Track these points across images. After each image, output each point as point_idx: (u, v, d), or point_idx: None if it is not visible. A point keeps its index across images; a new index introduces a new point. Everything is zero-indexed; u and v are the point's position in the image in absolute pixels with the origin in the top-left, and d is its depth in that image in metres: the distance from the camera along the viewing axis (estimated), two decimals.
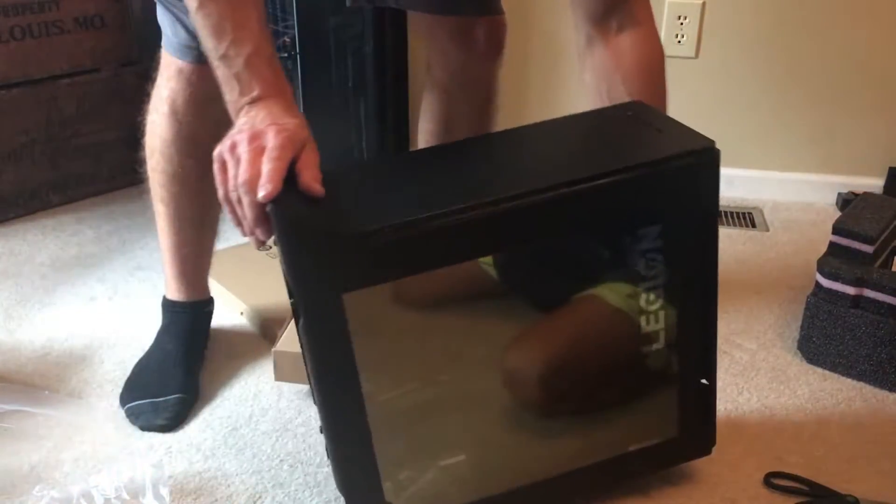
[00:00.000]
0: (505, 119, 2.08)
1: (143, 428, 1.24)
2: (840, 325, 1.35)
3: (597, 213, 0.92)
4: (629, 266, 0.98)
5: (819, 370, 1.39)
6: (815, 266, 1.39)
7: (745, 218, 1.94)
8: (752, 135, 2.01)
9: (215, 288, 1.51)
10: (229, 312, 1.53)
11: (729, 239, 1.83)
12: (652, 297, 0.99)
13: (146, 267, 1.70)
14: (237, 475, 1.15)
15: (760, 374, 1.38)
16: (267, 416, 1.27)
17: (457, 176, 0.95)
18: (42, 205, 1.95)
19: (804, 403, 1.31)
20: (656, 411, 1.08)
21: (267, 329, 1.46)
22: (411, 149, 1.64)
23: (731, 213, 1.95)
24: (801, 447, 1.21)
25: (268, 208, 0.86)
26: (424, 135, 1.50)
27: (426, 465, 1.01)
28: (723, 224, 1.90)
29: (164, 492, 1.08)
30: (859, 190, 1.96)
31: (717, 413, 1.11)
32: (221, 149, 0.90)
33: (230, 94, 0.93)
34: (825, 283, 1.36)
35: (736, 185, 1.99)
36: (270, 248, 1.73)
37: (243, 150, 0.87)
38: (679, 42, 1.95)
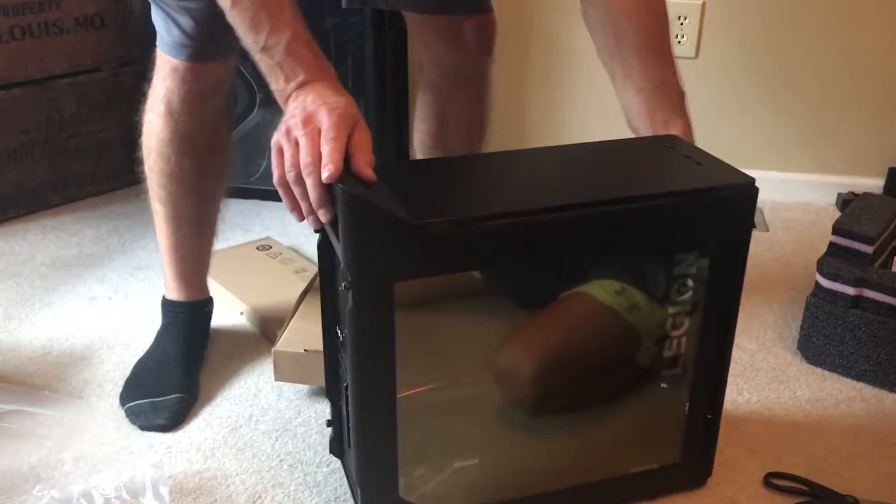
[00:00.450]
0: (505, 119, 2.08)
1: (143, 428, 1.24)
2: (840, 326, 1.35)
3: (644, 232, 0.94)
4: (658, 287, 1.01)
5: (819, 370, 1.39)
6: (814, 266, 1.39)
7: None
8: (752, 135, 2.01)
9: (215, 288, 1.51)
10: (229, 312, 1.54)
11: None
12: (678, 320, 1.02)
13: (146, 267, 1.70)
14: (237, 475, 1.16)
15: (760, 374, 1.38)
16: (267, 415, 1.28)
17: (509, 182, 0.98)
18: (42, 204, 1.95)
19: (804, 404, 1.31)
20: (662, 435, 1.09)
21: (267, 329, 1.47)
22: (411, 148, 1.65)
23: None
24: (801, 447, 1.21)
25: (335, 189, 0.86)
26: (420, 134, 1.51)
27: (441, 466, 1.03)
28: None
29: (164, 491, 1.08)
30: (859, 190, 1.96)
31: None
32: (277, 136, 0.91)
33: (276, 84, 0.94)
34: (825, 283, 1.36)
35: None
36: (270, 247, 1.73)
37: (299, 134, 0.88)
38: (679, 42, 1.95)
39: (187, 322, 1.38)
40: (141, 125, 1.26)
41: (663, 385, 1.07)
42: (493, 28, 1.39)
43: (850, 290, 1.34)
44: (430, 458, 1.03)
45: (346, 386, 0.97)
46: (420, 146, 1.52)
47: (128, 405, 1.28)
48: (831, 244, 1.40)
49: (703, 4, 1.92)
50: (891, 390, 1.34)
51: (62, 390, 1.33)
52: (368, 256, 0.86)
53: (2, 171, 1.87)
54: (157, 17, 1.17)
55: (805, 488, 1.13)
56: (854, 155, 2.01)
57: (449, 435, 1.05)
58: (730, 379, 1.35)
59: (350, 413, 0.97)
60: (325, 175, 0.85)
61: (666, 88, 1.07)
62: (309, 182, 0.87)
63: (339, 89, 0.93)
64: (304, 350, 1.25)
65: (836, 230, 1.39)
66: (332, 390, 1.07)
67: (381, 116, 1.89)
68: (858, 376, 1.36)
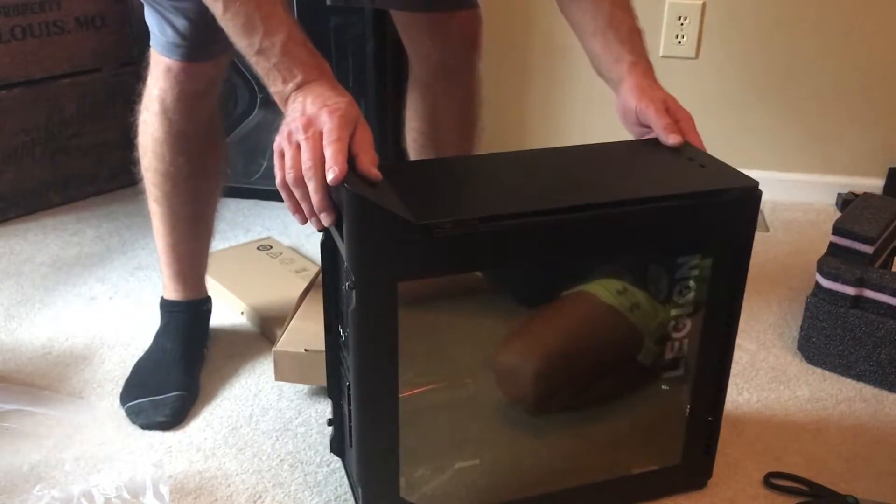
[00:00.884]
0: (505, 119, 2.08)
1: (144, 426, 1.24)
2: (840, 326, 1.36)
3: (648, 234, 0.95)
4: (660, 288, 1.01)
5: (819, 370, 1.39)
6: (815, 266, 1.39)
7: None
8: (752, 135, 2.01)
9: (216, 288, 1.51)
10: (230, 312, 1.54)
11: None
12: (680, 322, 1.02)
13: (146, 266, 1.70)
14: (237, 475, 1.16)
15: (760, 374, 1.39)
16: (267, 415, 1.28)
17: (513, 183, 0.98)
18: (43, 204, 1.95)
19: (804, 404, 1.31)
20: (662, 437, 1.10)
21: (267, 329, 1.47)
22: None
23: None
24: (801, 447, 1.21)
25: (333, 193, 0.86)
26: (412, 132, 1.50)
27: (442, 466, 1.03)
28: None
29: (165, 491, 1.08)
30: (859, 190, 1.96)
31: None
32: (279, 139, 0.90)
33: (274, 86, 0.93)
34: (825, 283, 1.36)
35: None
36: (270, 247, 1.73)
37: (301, 138, 0.88)
38: (679, 42, 1.95)
39: (186, 321, 1.38)
40: (137, 125, 1.26)
41: (664, 387, 1.07)
42: (479, 23, 1.39)
43: (850, 291, 1.34)
44: (431, 458, 1.03)
45: (348, 385, 0.97)
46: (412, 145, 1.52)
47: (128, 404, 1.28)
48: (831, 244, 1.40)
49: (704, 5, 1.92)
50: (891, 390, 1.34)
51: (62, 390, 1.33)
52: (373, 256, 0.86)
53: (2, 170, 1.87)
54: (150, 17, 1.17)
55: (805, 488, 1.13)
56: (854, 155, 2.01)
57: (450, 435, 1.05)
58: (730, 379, 1.36)
59: (352, 413, 0.97)
60: (330, 177, 0.85)
61: (621, 28, 1.08)
62: (311, 186, 0.87)
63: (338, 88, 0.93)
64: (305, 350, 1.25)
65: (837, 230, 1.39)
66: (333, 389, 1.07)
67: (381, 117, 1.89)
68: (858, 376, 1.36)
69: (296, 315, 1.33)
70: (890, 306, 1.31)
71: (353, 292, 0.87)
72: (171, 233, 1.31)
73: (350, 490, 1.11)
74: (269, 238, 1.78)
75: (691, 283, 1.00)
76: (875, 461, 1.19)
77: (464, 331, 1.03)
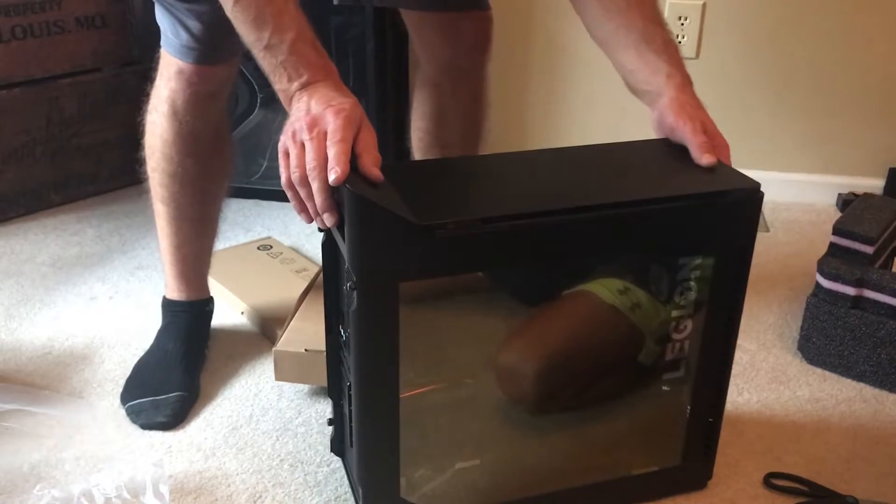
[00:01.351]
0: (506, 119, 2.08)
1: (144, 426, 1.24)
2: (840, 326, 1.36)
3: (649, 235, 0.95)
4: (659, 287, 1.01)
5: (819, 371, 1.39)
6: (815, 266, 1.39)
7: None
8: (753, 135, 2.01)
9: (216, 288, 1.51)
10: (230, 312, 1.54)
11: None
12: (681, 324, 1.02)
13: (147, 266, 1.71)
14: (237, 474, 1.16)
15: (760, 374, 1.39)
16: (267, 415, 1.28)
17: (515, 183, 0.98)
18: (43, 204, 1.95)
19: (804, 404, 1.31)
20: (663, 437, 1.10)
21: (267, 329, 1.47)
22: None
23: None
24: (801, 447, 1.21)
25: (341, 190, 0.86)
26: (418, 132, 1.51)
27: (443, 466, 1.03)
28: None
29: (165, 491, 1.08)
30: (860, 191, 1.96)
31: None
32: (283, 138, 0.90)
33: (280, 83, 0.93)
34: (825, 283, 1.36)
35: None
36: (271, 247, 1.73)
37: (305, 137, 0.88)
38: (679, 42, 1.95)
39: (188, 321, 1.38)
40: (143, 125, 1.26)
41: (665, 388, 1.07)
42: (490, 25, 1.39)
43: (850, 291, 1.34)
44: (431, 458, 1.04)
45: (349, 385, 0.97)
46: (418, 144, 1.52)
47: (129, 404, 1.28)
48: (832, 244, 1.40)
49: (704, 5, 1.92)
50: (891, 391, 1.34)
51: (63, 390, 1.33)
52: (374, 257, 0.86)
53: (3, 170, 1.88)
54: (162, 19, 1.17)
55: (805, 488, 1.13)
56: (854, 155, 2.01)
57: (451, 435, 1.05)
58: (730, 379, 1.36)
59: (352, 413, 0.97)
60: (331, 178, 0.85)
61: (655, 41, 1.05)
62: (314, 186, 0.87)
63: (343, 89, 0.93)
64: (305, 350, 1.25)
65: (837, 230, 1.39)
66: (333, 390, 1.07)
67: (381, 117, 1.89)
68: (858, 377, 1.36)
69: (296, 315, 1.33)
70: (890, 306, 1.31)
71: (355, 293, 0.87)
72: (176, 233, 1.31)
73: (350, 490, 1.11)
74: (269, 238, 1.78)
75: (692, 284, 1.00)
76: (875, 461, 1.19)
77: (464, 330, 1.03)
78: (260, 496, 1.12)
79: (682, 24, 1.94)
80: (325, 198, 0.87)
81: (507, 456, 1.07)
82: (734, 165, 1.00)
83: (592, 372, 1.08)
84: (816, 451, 1.21)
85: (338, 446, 1.12)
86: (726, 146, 1.02)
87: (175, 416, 1.25)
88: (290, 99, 0.93)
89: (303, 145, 0.88)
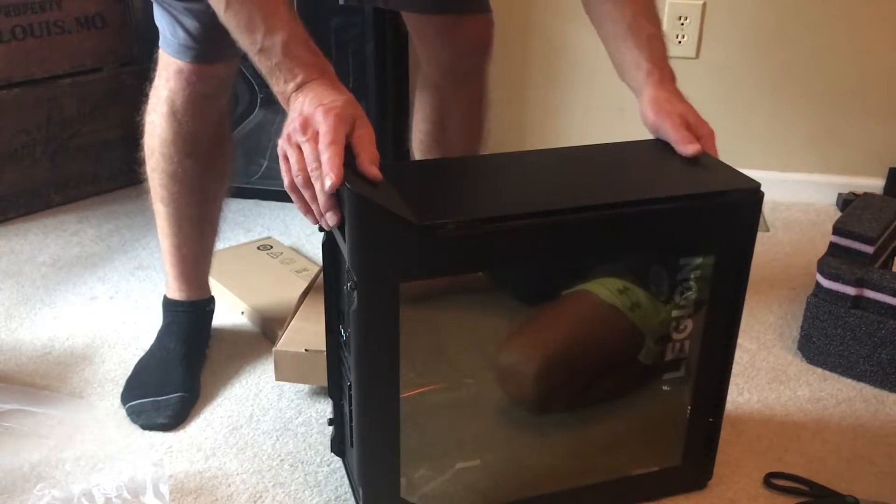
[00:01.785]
0: (505, 119, 2.08)
1: (144, 427, 1.24)
2: (840, 326, 1.36)
3: (649, 235, 0.95)
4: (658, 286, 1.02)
5: (819, 370, 1.39)
6: (815, 266, 1.39)
7: None
8: (753, 135, 2.01)
9: (216, 288, 1.51)
10: (230, 312, 1.54)
11: None
12: (681, 324, 1.02)
13: (147, 266, 1.71)
14: (238, 474, 1.16)
15: (760, 374, 1.39)
16: (267, 415, 1.28)
17: (516, 183, 0.98)
18: (43, 204, 1.95)
19: (804, 404, 1.31)
20: (663, 438, 1.10)
21: (268, 329, 1.47)
22: (411, 149, 1.65)
23: None
24: (801, 447, 1.21)
25: (341, 190, 0.86)
26: (419, 134, 1.51)
27: (443, 466, 1.03)
28: None
29: (165, 490, 1.08)
30: (860, 190, 1.96)
31: None
32: (282, 142, 0.91)
33: (276, 85, 0.93)
34: (825, 283, 1.36)
35: None
36: (271, 247, 1.73)
37: (300, 140, 0.88)
38: (679, 42, 1.95)
39: (189, 321, 1.38)
40: (143, 126, 1.26)
41: (665, 388, 1.07)
42: (491, 27, 1.39)
43: (850, 291, 1.34)
44: (432, 458, 1.04)
45: (349, 385, 0.97)
46: (419, 146, 1.52)
47: (129, 404, 1.28)
48: (832, 244, 1.40)
49: (704, 5, 1.92)
50: (891, 390, 1.34)
51: (63, 390, 1.33)
52: (374, 257, 0.86)
53: (3, 170, 1.88)
54: (160, 18, 1.17)
55: (805, 488, 1.13)
56: (854, 155, 2.01)
57: (451, 435, 1.05)
58: (730, 379, 1.36)
59: (352, 412, 0.97)
60: (326, 185, 0.85)
61: (640, 35, 1.06)
62: (316, 187, 0.87)
63: (337, 86, 0.93)
64: (305, 350, 1.25)
65: (837, 230, 1.39)
66: (334, 389, 1.07)
67: (381, 117, 1.89)
68: (859, 376, 1.36)
69: (296, 315, 1.33)
70: (890, 306, 1.31)
71: (355, 293, 0.87)
72: (176, 233, 1.31)
73: (350, 490, 1.11)
74: (269, 238, 1.78)
75: (692, 284, 1.00)
76: (875, 461, 1.19)
77: (464, 330, 1.03)
78: (260, 496, 1.12)
79: (682, 24, 1.94)
80: (328, 198, 0.87)
81: (508, 456, 1.07)
82: (734, 165, 1.00)
83: (593, 371, 1.08)
84: (817, 450, 1.21)
85: (338, 446, 1.12)
86: (711, 134, 1.03)
87: (175, 417, 1.25)
88: (288, 100, 0.93)
89: (299, 147, 0.88)
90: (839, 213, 1.91)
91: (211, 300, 1.42)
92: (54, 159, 1.95)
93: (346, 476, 1.14)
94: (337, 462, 1.17)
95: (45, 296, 1.60)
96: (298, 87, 0.92)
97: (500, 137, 2.06)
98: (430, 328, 1.01)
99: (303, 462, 1.18)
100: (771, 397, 1.33)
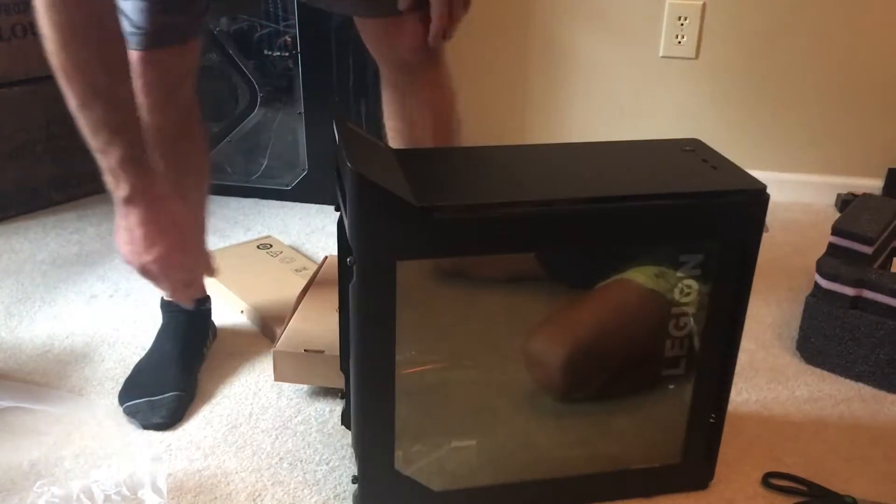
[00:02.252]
0: (505, 119, 2.09)
1: (141, 427, 1.24)
2: (839, 326, 1.36)
3: (650, 231, 0.95)
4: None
5: (818, 371, 1.39)
6: (814, 267, 1.39)
7: None
8: (752, 135, 2.02)
9: (215, 286, 1.51)
10: (229, 311, 1.54)
11: None
12: (682, 321, 1.03)
13: None
14: (237, 473, 1.16)
15: (759, 374, 1.39)
16: (266, 414, 1.28)
17: (521, 173, 1.00)
18: (43, 202, 1.96)
19: (803, 404, 1.31)
20: (663, 434, 1.10)
21: (267, 327, 1.47)
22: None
23: None
24: (800, 447, 1.21)
25: (344, 169, 0.89)
26: (389, 132, 1.49)
27: (439, 443, 1.04)
28: None
29: (164, 487, 1.08)
30: (858, 191, 1.96)
31: None
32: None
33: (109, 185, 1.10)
34: (824, 283, 1.36)
35: None
36: (270, 246, 1.74)
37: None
38: (679, 43, 1.95)
39: (185, 320, 1.38)
40: None
41: (671, 386, 1.08)
42: (419, 27, 1.33)
43: (849, 291, 1.34)
44: (428, 435, 1.05)
45: (341, 364, 0.99)
46: (391, 143, 1.51)
47: (126, 404, 1.28)
48: (830, 245, 1.40)
49: (704, 5, 1.92)
50: (889, 391, 1.34)
51: (63, 387, 1.33)
52: (373, 235, 0.89)
53: (3, 169, 1.88)
54: None
55: (804, 488, 1.13)
56: (853, 156, 2.01)
57: (448, 415, 1.06)
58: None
59: (351, 385, 0.99)
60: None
61: None
62: None
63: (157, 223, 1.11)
64: (304, 350, 1.25)
65: (836, 231, 1.39)
66: (345, 363, 1.09)
67: (381, 117, 1.89)
68: (857, 377, 1.36)
69: (295, 315, 1.33)
70: (889, 307, 1.31)
71: (354, 268, 0.90)
72: None
73: (351, 480, 1.12)
74: (268, 237, 1.78)
75: (696, 282, 1.00)
76: (874, 461, 1.19)
77: (466, 312, 1.04)
78: (259, 494, 1.12)
79: (682, 24, 1.94)
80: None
81: (503, 439, 1.08)
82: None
83: (624, 361, 1.08)
84: (815, 450, 1.21)
85: (347, 419, 1.14)
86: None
87: (171, 417, 1.25)
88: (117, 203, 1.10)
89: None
90: (838, 214, 1.91)
91: (206, 299, 1.42)
92: (55, 158, 1.95)
93: (344, 475, 1.14)
94: (336, 461, 1.17)
95: (44, 294, 1.61)
96: (126, 201, 1.09)
97: (501, 137, 2.06)
98: (433, 309, 1.02)
99: (302, 461, 1.18)
100: (769, 397, 1.33)
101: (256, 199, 1.99)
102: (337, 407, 1.28)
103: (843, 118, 1.98)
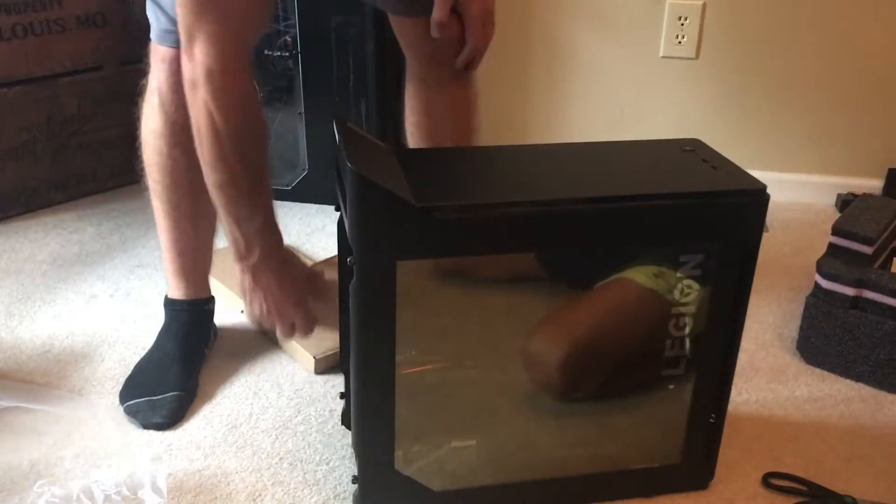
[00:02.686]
0: (506, 118, 2.09)
1: (141, 426, 1.24)
2: (839, 326, 1.36)
3: (649, 231, 0.95)
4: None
5: (818, 371, 1.40)
6: (814, 267, 1.39)
7: None
8: (752, 135, 2.02)
9: (216, 286, 1.51)
10: (230, 311, 1.54)
11: None
12: (682, 321, 1.03)
13: (147, 265, 1.71)
14: (237, 473, 1.16)
15: (759, 374, 1.39)
16: (267, 414, 1.28)
17: (521, 174, 1.00)
18: (43, 202, 1.96)
19: (803, 404, 1.32)
20: (663, 434, 1.10)
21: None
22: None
23: None
24: (800, 447, 1.21)
25: (345, 169, 0.90)
26: (410, 127, 1.50)
27: (439, 443, 1.05)
28: None
29: (164, 489, 1.08)
30: (859, 191, 1.96)
31: None
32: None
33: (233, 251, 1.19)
34: (824, 283, 1.36)
35: None
36: None
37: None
38: (679, 43, 1.95)
39: (187, 320, 1.38)
40: (139, 119, 1.26)
41: (670, 385, 1.08)
42: (455, 27, 1.36)
43: (849, 291, 1.34)
44: (428, 435, 1.05)
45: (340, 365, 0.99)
46: (410, 139, 1.52)
47: (126, 404, 1.28)
48: (831, 245, 1.40)
49: (704, 5, 1.92)
50: (889, 391, 1.34)
51: (63, 387, 1.33)
52: (373, 235, 0.89)
53: (3, 168, 1.88)
54: (148, 7, 1.18)
55: (804, 488, 1.13)
56: (853, 156, 2.01)
57: (448, 415, 1.07)
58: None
59: (351, 384, 0.99)
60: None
61: None
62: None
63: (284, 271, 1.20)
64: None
65: (836, 231, 1.39)
66: (345, 363, 1.09)
67: (381, 116, 1.89)
68: (857, 377, 1.36)
69: None
70: (889, 307, 1.31)
71: (354, 268, 0.90)
72: (172, 228, 1.31)
73: (351, 480, 1.12)
74: None
75: (696, 282, 1.00)
76: (873, 461, 1.19)
77: (467, 314, 1.04)
78: (259, 494, 1.12)
79: (682, 24, 1.94)
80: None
81: (503, 439, 1.08)
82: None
83: (622, 361, 1.08)
84: (815, 450, 1.21)
85: (347, 419, 1.14)
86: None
87: (171, 417, 1.25)
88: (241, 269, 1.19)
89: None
90: (838, 214, 1.91)
91: (210, 300, 1.42)
92: (55, 158, 1.95)
93: (344, 475, 1.14)
94: (336, 460, 1.17)
95: (45, 294, 1.61)
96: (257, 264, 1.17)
97: (501, 137, 2.06)
98: (432, 310, 1.02)
99: (302, 461, 1.18)
100: (769, 397, 1.33)
101: None
102: (337, 407, 1.28)
103: (843, 118, 1.98)
